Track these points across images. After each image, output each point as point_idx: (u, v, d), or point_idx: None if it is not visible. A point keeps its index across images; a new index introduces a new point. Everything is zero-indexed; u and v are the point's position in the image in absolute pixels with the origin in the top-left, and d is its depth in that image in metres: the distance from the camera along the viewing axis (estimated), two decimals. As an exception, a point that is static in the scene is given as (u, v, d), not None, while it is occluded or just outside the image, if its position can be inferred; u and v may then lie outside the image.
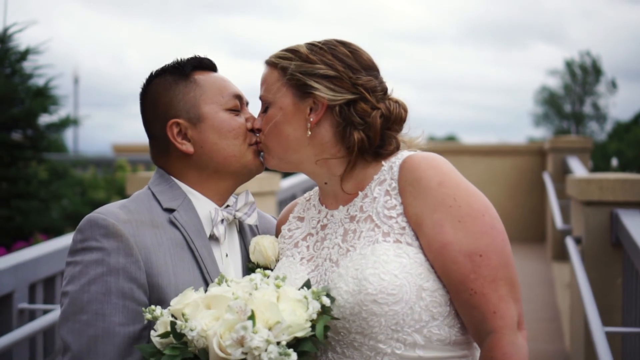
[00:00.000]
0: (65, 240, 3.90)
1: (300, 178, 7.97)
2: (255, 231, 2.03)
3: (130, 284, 1.75)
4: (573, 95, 52.43)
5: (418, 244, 1.76)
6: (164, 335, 1.64)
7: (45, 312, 3.53)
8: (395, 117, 1.86)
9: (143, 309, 1.70)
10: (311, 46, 1.87)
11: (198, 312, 1.63)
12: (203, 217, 1.90)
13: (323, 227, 1.91)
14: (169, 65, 1.95)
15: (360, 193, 1.86)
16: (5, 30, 8.21)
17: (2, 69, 8.16)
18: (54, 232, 7.92)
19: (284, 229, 2.00)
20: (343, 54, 1.86)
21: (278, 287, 1.68)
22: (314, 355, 1.78)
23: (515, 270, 1.79)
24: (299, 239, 1.95)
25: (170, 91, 1.92)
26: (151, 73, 1.98)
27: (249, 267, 1.94)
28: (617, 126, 49.65)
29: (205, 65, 1.97)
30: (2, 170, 7.94)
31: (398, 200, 1.79)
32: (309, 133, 1.84)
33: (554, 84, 55.06)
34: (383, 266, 1.72)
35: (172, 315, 1.66)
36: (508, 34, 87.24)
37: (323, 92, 1.82)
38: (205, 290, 1.77)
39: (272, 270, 1.92)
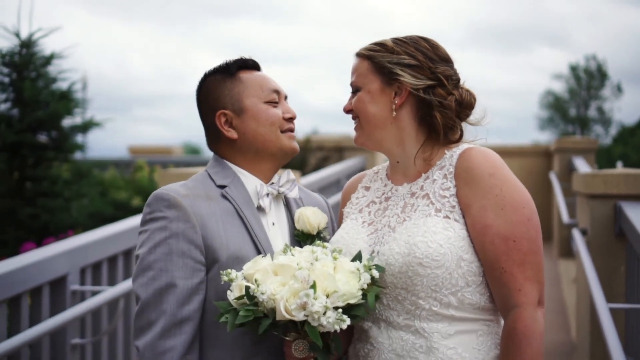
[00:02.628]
0: (109, 230, 4.22)
1: (315, 178, 8.26)
2: (300, 204, 2.35)
3: (189, 245, 2.07)
4: (578, 99, 52.57)
5: (463, 222, 2.06)
6: (239, 297, 1.95)
7: (94, 293, 3.83)
8: (467, 103, 2.16)
9: (221, 272, 2.02)
10: (396, 40, 2.18)
11: (267, 277, 1.94)
12: (251, 191, 2.23)
13: (387, 198, 2.22)
14: (219, 66, 2.30)
15: (423, 175, 2.16)
16: (30, 35, 8.52)
17: (28, 72, 8.48)
18: (79, 229, 8.22)
19: (353, 196, 2.32)
20: (424, 47, 2.16)
21: (335, 259, 1.99)
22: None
23: (542, 258, 2.07)
24: (363, 205, 2.27)
25: (219, 88, 2.26)
26: (205, 73, 2.32)
27: (295, 234, 2.26)
28: (622, 130, 49.79)
29: (249, 65, 2.31)
30: (28, 170, 8.25)
31: (452, 183, 2.09)
32: (394, 114, 2.15)
33: (559, 88, 55.26)
34: (432, 236, 2.02)
35: (245, 278, 1.97)
36: (512, 38, 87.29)
37: (407, 78, 2.12)
38: (258, 252, 2.11)
39: (314, 235, 2.23)
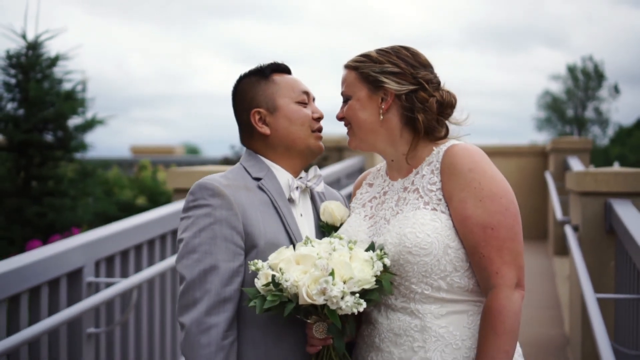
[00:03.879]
0: (122, 226, 4.40)
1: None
2: (323, 198, 2.55)
3: (231, 231, 2.25)
4: (575, 100, 52.78)
5: (449, 213, 2.24)
6: (266, 284, 2.15)
7: (108, 285, 4.01)
8: (447, 103, 2.35)
9: (249, 262, 2.21)
10: (380, 51, 2.37)
11: (290, 266, 2.14)
12: (282, 184, 2.42)
13: (384, 193, 2.42)
14: (253, 69, 2.50)
15: (414, 170, 2.36)
16: (37, 37, 8.69)
17: (34, 74, 8.64)
18: (84, 227, 8.38)
19: (358, 192, 2.53)
20: (405, 55, 2.35)
21: (351, 249, 2.19)
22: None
23: (521, 244, 2.25)
24: (366, 200, 2.47)
25: (254, 88, 2.46)
26: (240, 75, 2.52)
27: (320, 225, 2.46)
28: (620, 131, 49.96)
29: (281, 68, 2.51)
30: (34, 169, 8.41)
31: (438, 178, 2.28)
32: (382, 117, 2.34)
33: (557, 88, 55.42)
34: (420, 227, 2.22)
35: (270, 267, 2.17)
36: (511, 39, 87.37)
37: (391, 84, 2.32)
38: (290, 240, 2.30)
39: (338, 227, 2.43)
